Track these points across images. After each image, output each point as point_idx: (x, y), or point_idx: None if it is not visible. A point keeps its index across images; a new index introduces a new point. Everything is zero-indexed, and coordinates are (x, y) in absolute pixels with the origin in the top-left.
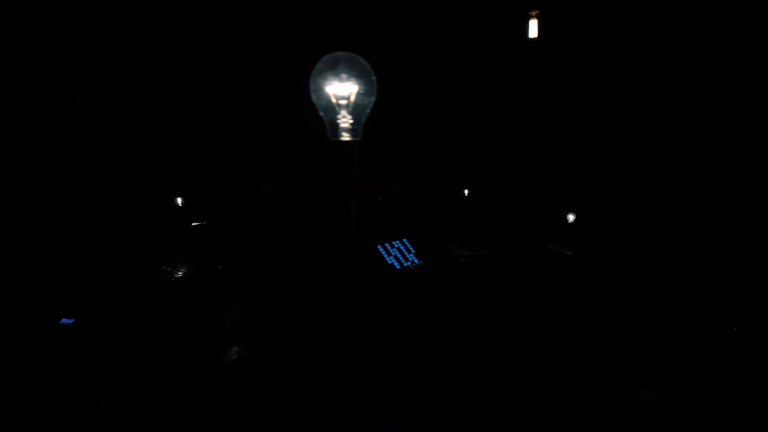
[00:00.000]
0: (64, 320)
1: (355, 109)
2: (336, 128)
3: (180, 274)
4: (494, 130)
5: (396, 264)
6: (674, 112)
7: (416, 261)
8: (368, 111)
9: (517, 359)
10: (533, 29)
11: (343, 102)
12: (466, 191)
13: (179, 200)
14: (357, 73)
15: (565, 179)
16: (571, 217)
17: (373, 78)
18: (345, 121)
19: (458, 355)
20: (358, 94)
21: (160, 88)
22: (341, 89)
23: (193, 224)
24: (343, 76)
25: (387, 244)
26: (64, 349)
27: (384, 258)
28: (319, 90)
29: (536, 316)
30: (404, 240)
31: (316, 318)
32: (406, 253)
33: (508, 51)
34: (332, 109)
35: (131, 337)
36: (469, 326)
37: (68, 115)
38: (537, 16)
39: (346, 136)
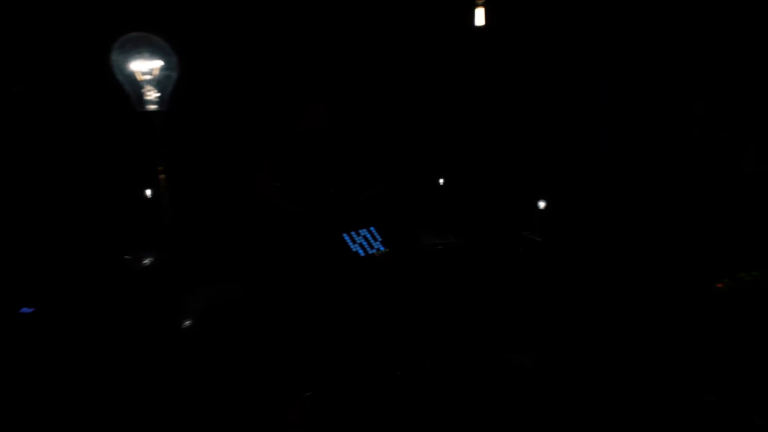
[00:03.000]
0: (25, 309)
1: (159, 83)
2: (141, 100)
3: (144, 262)
4: (467, 121)
5: (360, 251)
6: (634, 100)
7: (381, 249)
8: (172, 85)
9: (472, 343)
10: (480, 17)
11: (148, 77)
12: (441, 181)
13: (148, 192)
14: (152, 51)
15: (535, 167)
16: (541, 204)
17: (174, 57)
18: (150, 93)
19: (423, 343)
20: (162, 69)
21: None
22: (143, 65)
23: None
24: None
25: (353, 232)
26: (24, 339)
27: (348, 245)
28: (121, 65)
29: (501, 301)
30: (371, 228)
31: (275, 304)
32: (372, 241)
33: (471, 41)
34: (136, 83)
35: (92, 324)
36: (436, 312)
37: (32, 104)
38: (483, 4)
39: (151, 107)
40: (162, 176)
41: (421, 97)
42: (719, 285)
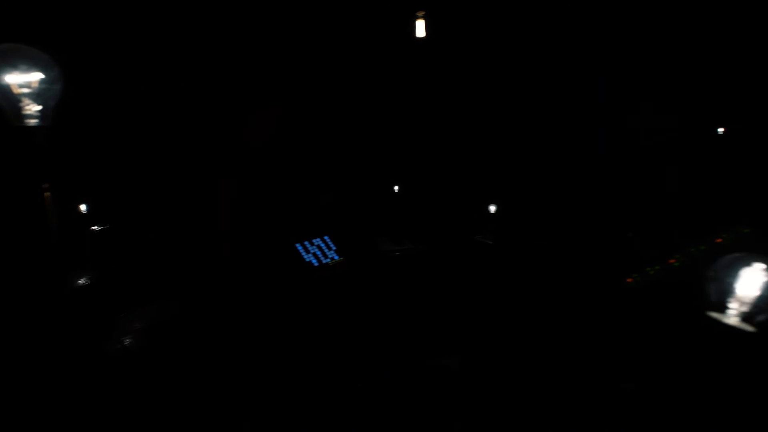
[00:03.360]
0: None
1: (39, 96)
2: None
3: (80, 282)
4: (420, 129)
5: (314, 261)
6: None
7: (336, 257)
8: (55, 99)
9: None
10: (420, 29)
11: (26, 90)
12: (396, 188)
13: (83, 207)
14: (29, 63)
15: (486, 173)
16: (492, 209)
17: (55, 69)
18: (30, 107)
19: (377, 351)
20: (42, 82)
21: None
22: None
23: (94, 228)
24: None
25: (306, 242)
26: None
27: (302, 255)
28: None
29: (450, 304)
30: (325, 237)
31: (217, 321)
32: (326, 250)
33: (422, 51)
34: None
35: (18, 345)
36: (389, 319)
37: None
38: (424, 17)
39: (31, 122)
40: (47, 194)
41: (373, 107)
42: (629, 280)
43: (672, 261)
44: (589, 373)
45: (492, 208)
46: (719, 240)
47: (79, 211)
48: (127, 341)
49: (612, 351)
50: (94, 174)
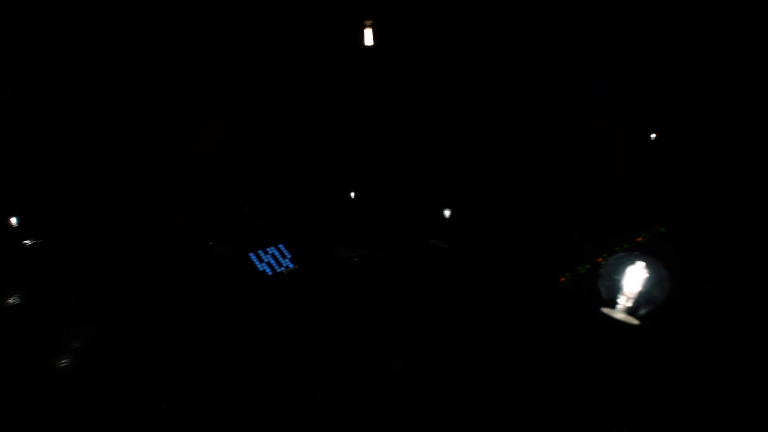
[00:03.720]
0: None
1: None
2: None
3: (9, 301)
4: (375, 135)
5: (268, 270)
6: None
7: (291, 266)
8: None
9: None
10: (368, 38)
11: None
12: (352, 194)
13: (13, 220)
14: None
15: (441, 178)
16: (447, 213)
17: None
18: None
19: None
20: None
21: None
22: None
23: (26, 242)
24: None
25: (260, 251)
26: None
27: (255, 265)
28: None
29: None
30: (280, 246)
31: (166, 336)
32: (280, 259)
33: (371, 60)
34: None
35: None
36: (343, 327)
37: None
38: (371, 26)
39: None
40: None
41: (330, 113)
42: (562, 279)
43: (599, 260)
44: (518, 369)
45: (447, 213)
46: (639, 239)
47: (10, 225)
48: (63, 362)
49: (531, 347)
50: (27, 184)
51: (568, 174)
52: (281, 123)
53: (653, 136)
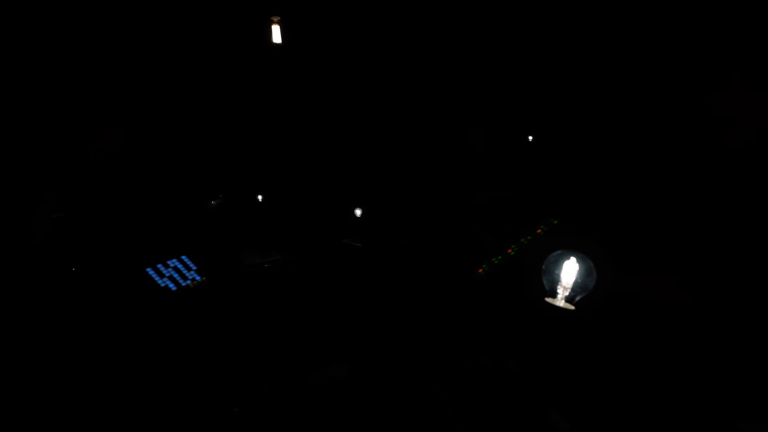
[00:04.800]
0: None
1: None
2: None
3: None
4: (280, 136)
5: (171, 285)
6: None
7: (197, 278)
8: None
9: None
10: (276, 35)
11: None
12: (259, 197)
13: None
14: None
15: (351, 178)
16: (358, 212)
17: None
18: None
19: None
20: None
21: None
22: None
23: None
24: None
25: (159, 265)
26: None
27: (155, 281)
28: None
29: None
30: (183, 257)
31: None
32: (185, 272)
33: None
34: None
35: None
36: (261, 338)
37: None
38: (279, 22)
39: None
40: None
41: (235, 113)
42: (480, 270)
43: (509, 251)
44: (462, 359)
45: (358, 212)
46: (539, 231)
47: None
48: None
49: (474, 335)
50: None
51: (461, 175)
52: (180, 124)
53: (530, 138)
